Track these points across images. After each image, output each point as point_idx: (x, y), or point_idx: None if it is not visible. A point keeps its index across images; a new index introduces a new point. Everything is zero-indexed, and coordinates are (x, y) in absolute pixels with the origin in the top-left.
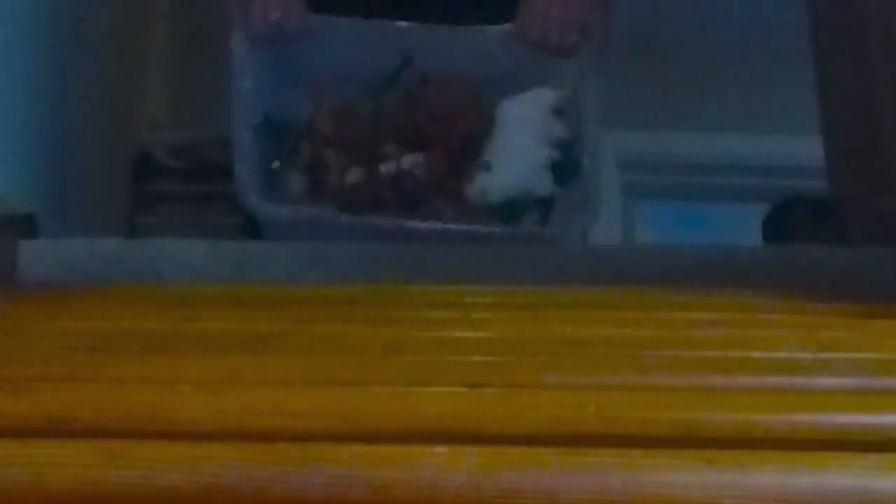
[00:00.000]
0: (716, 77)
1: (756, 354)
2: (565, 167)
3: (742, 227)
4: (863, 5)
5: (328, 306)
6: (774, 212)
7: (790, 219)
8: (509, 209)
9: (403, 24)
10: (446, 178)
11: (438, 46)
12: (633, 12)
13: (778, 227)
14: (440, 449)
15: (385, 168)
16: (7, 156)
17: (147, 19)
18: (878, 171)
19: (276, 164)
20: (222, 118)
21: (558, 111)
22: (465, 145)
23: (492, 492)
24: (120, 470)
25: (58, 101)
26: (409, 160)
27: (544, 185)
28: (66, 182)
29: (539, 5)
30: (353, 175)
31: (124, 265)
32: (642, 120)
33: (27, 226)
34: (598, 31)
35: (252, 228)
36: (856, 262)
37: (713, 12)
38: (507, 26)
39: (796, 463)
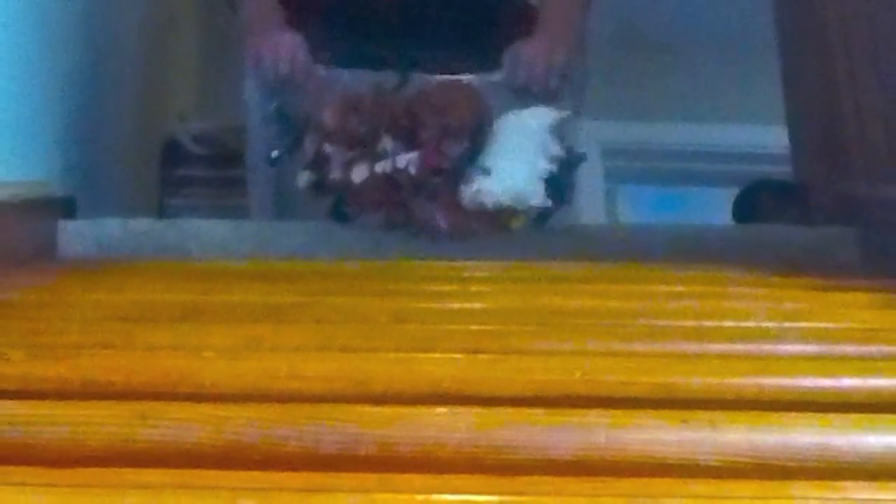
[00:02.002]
0: (691, 73)
1: (727, 324)
2: (560, 183)
3: (714, 209)
4: (823, 9)
5: (339, 280)
6: (744, 195)
7: (758, 201)
8: (502, 215)
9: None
10: (441, 177)
11: None
12: (617, 14)
13: (747, 208)
14: (441, 409)
15: (381, 167)
16: (48, 144)
17: (175, 21)
18: (838, 158)
19: (274, 154)
20: (243, 110)
21: (556, 130)
22: (461, 139)
23: (487, 448)
24: (150, 429)
25: (94, 95)
26: (404, 159)
27: (538, 196)
28: (102, 168)
29: (524, 55)
30: (358, 173)
31: (154, 243)
32: (624, 111)
33: (66, 207)
34: (578, 77)
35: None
36: (817, 240)
37: (689, 15)
38: (496, 74)
39: (764, 422)
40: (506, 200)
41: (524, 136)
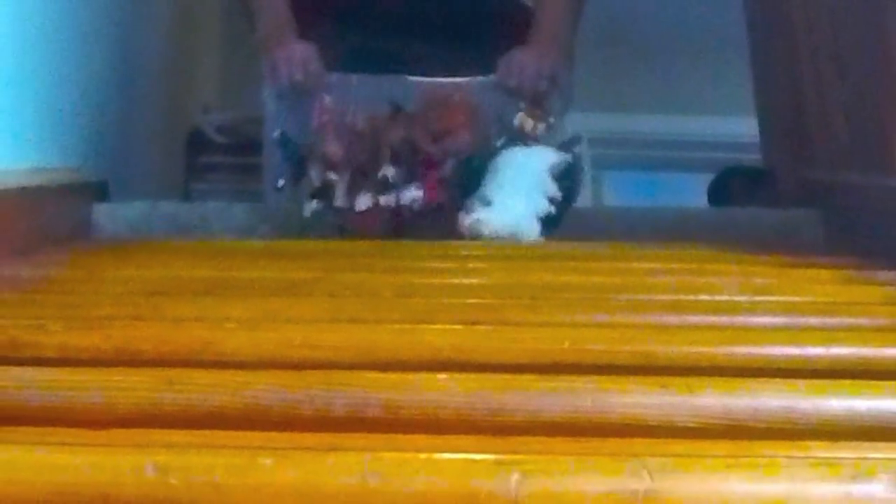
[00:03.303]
0: (670, 68)
1: (702, 297)
2: (552, 222)
3: (691, 193)
4: (790, 10)
5: (349, 258)
6: (718, 180)
7: (730, 186)
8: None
9: (407, 77)
10: (442, 208)
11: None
12: (603, 16)
13: (720, 192)
14: (441, 375)
15: (385, 201)
16: (83, 134)
17: (199, 20)
18: (803, 146)
19: (280, 183)
20: (262, 102)
21: (557, 172)
22: (462, 157)
23: (484, 410)
24: (176, 393)
25: (125, 89)
26: (408, 196)
27: (532, 233)
28: (132, 155)
29: (516, 61)
30: (362, 202)
31: (180, 224)
32: (609, 104)
33: (100, 191)
34: (565, 82)
35: None
36: (784, 221)
37: (669, 15)
38: (492, 77)
39: (735, 387)
40: (503, 233)
41: (527, 173)
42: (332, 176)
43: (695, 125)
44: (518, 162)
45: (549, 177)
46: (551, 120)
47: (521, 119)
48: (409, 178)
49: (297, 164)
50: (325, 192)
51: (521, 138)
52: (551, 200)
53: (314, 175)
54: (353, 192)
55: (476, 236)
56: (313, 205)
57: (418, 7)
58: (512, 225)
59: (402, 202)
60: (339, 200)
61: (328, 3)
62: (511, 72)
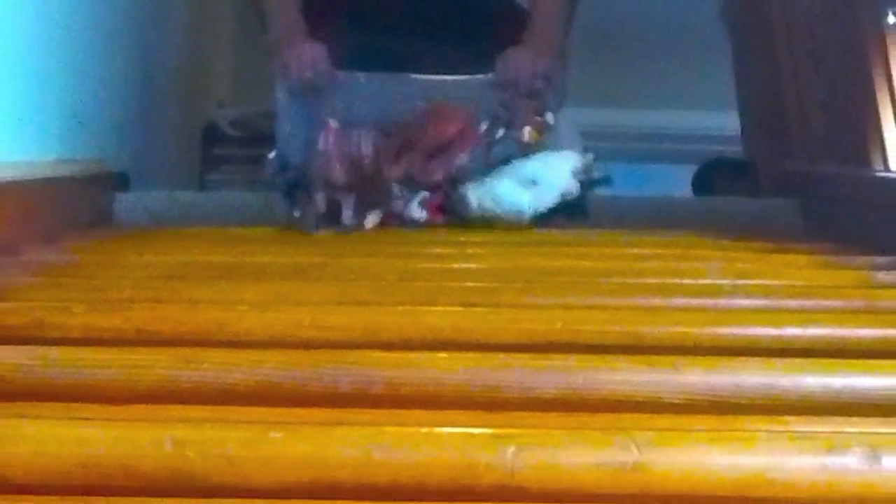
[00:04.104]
0: (656, 65)
1: (687, 281)
2: (550, 212)
3: (676, 183)
4: (769, 10)
5: (355, 244)
6: (701, 171)
7: (714, 176)
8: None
9: (411, 76)
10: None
11: (439, 92)
12: (593, 14)
13: (704, 182)
14: (441, 354)
15: (393, 213)
16: (105, 127)
17: (215, 20)
18: (782, 139)
19: (297, 213)
20: (274, 98)
21: (577, 172)
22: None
23: (481, 387)
24: (193, 371)
25: (144, 85)
26: (415, 212)
27: (517, 203)
28: (151, 147)
29: (512, 60)
30: (371, 220)
31: (196, 212)
32: (600, 99)
33: (121, 181)
34: (559, 81)
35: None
36: (764, 210)
37: (654, 14)
38: (490, 76)
39: (718, 366)
40: (485, 202)
41: (548, 171)
42: (338, 195)
43: (679, 119)
44: (540, 159)
45: (570, 175)
46: (548, 117)
47: (528, 133)
48: (412, 195)
49: (299, 187)
50: (331, 212)
51: (526, 149)
52: (565, 195)
53: (319, 199)
54: (360, 209)
55: (463, 210)
56: (320, 233)
57: (421, 9)
58: (490, 193)
59: (405, 217)
60: (348, 219)
61: (337, 5)
62: (508, 71)
